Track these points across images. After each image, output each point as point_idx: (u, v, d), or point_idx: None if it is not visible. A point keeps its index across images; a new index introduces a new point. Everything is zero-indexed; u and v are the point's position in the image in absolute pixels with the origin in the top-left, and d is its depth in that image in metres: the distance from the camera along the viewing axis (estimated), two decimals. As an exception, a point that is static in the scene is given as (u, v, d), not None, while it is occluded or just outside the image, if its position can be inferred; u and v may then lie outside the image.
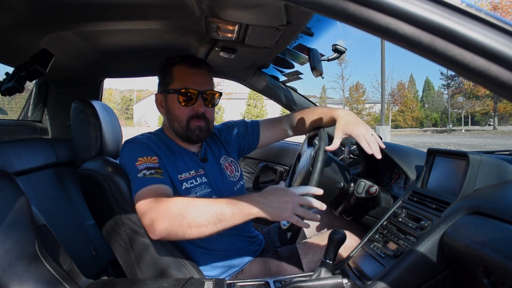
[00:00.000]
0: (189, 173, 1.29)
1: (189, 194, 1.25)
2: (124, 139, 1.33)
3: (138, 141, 1.25)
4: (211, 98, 1.32)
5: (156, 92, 1.38)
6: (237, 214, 1.03)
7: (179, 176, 1.26)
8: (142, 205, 1.09)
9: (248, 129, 1.57)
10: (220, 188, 1.33)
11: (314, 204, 1.06)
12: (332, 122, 1.40)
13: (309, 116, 1.52)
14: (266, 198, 1.05)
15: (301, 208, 1.05)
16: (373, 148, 1.24)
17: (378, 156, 1.23)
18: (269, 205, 1.03)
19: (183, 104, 1.28)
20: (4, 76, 1.24)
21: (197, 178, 1.30)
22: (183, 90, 1.27)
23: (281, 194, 1.05)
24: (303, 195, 1.08)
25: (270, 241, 1.56)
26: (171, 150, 1.29)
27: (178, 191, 1.24)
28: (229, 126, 1.57)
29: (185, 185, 1.26)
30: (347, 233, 1.16)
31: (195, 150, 1.37)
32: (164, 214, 1.03)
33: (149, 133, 1.35)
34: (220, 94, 1.36)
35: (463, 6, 0.47)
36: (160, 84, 1.36)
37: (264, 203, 1.04)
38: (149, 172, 1.14)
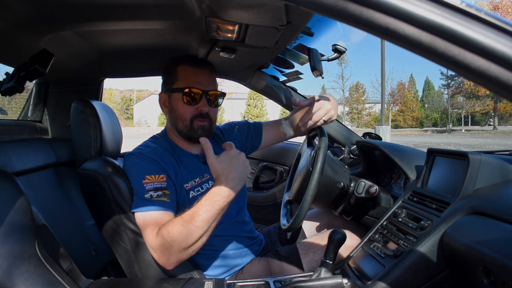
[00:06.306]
0: (195, 181, 1.29)
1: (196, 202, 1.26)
2: (124, 139, 1.32)
3: (145, 156, 1.22)
4: (214, 98, 1.32)
5: (160, 91, 1.37)
6: (218, 210, 1.05)
7: (185, 185, 1.26)
8: (145, 232, 1.12)
9: (251, 130, 1.57)
10: None
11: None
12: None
13: (306, 112, 1.52)
14: (230, 178, 1.06)
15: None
16: (313, 119, 1.35)
17: (304, 131, 1.42)
18: (236, 179, 1.07)
19: (187, 103, 1.27)
20: (4, 76, 1.24)
21: (203, 185, 1.30)
22: (187, 90, 1.27)
23: (235, 163, 1.08)
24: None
25: (270, 241, 1.56)
26: (176, 158, 1.28)
27: (186, 200, 1.24)
28: (232, 126, 1.57)
29: (192, 193, 1.26)
30: (347, 233, 1.16)
31: (198, 152, 1.37)
32: (166, 251, 1.06)
33: (152, 141, 1.33)
34: (224, 94, 1.36)
35: (463, 6, 0.47)
36: (164, 84, 1.36)
37: (232, 181, 1.06)
38: (156, 194, 1.14)
